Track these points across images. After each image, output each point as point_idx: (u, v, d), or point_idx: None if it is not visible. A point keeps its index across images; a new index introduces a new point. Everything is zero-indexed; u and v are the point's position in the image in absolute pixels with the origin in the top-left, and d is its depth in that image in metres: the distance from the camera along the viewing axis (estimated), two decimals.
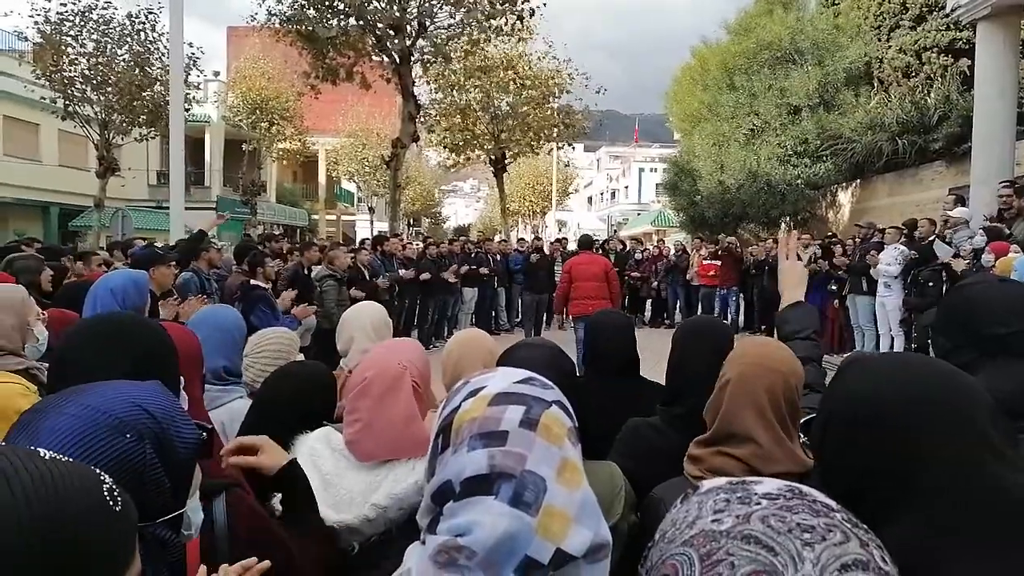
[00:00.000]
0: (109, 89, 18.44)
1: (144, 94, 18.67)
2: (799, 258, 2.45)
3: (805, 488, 0.69)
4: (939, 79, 16.30)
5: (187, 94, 15.27)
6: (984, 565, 0.84)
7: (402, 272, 10.80)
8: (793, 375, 1.62)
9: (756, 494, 0.67)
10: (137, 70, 18.65)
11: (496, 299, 13.86)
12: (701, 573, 0.61)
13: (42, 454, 0.75)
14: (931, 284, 7.89)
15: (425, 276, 11.34)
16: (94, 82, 18.33)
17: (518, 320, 13.96)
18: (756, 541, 0.61)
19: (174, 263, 5.40)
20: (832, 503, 0.67)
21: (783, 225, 19.42)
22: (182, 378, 1.62)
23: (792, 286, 2.27)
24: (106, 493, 0.78)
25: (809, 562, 0.59)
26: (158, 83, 18.59)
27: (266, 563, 1.27)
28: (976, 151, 10.54)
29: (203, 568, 1.19)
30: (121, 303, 2.83)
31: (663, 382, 2.56)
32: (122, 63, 18.67)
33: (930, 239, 8.73)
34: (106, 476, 0.80)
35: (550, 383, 0.95)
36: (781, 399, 1.57)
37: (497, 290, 13.79)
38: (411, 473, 1.51)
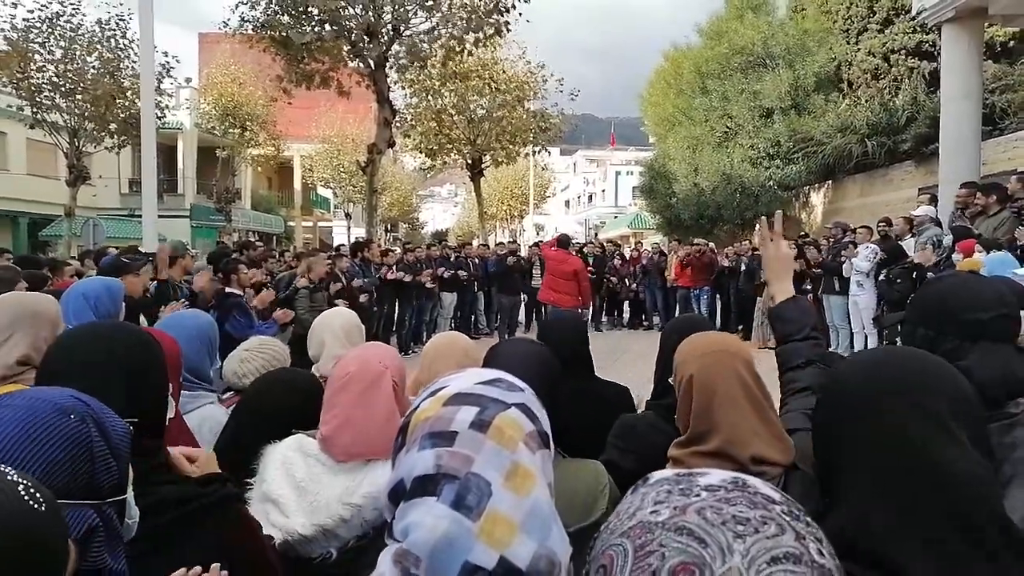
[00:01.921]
0: (79, 97, 18.16)
1: (117, 101, 18.39)
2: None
3: (751, 480, 0.68)
4: (906, 81, 16.60)
5: (159, 101, 15.07)
6: (914, 544, 0.89)
7: (379, 274, 10.79)
8: (746, 353, 1.66)
9: (698, 486, 0.67)
10: (108, 77, 18.37)
11: (475, 303, 13.85)
12: (633, 564, 0.61)
13: None
14: (899, 281, 8.01)
15: (403, 275, 11.30)
16: (63, 89, 18.03)
17: (497, 324, 13.96)
18: (689, 533, 0.60)
19: (142, 271, 5.31)
20: (776, 495, 0.66)
21: (757, 226, 19.64)
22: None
23: (780, 276, 2.04)
24: (25, 495, 0.76)
25: (739, 554, 0.58)
26: (130, 91, 18.32)
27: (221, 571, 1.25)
28: (944, 152, 10.74)
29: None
30: (94, 309, 2.79)
31: (643, 381, 2.57)
32: (92, 70, 18.39)
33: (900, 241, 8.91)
34: (16, 475, 0.78)
35: (520, 385, 0.93)
36: (749, 380, 1.58)
37: (476, 294, 13.78)
38: (389, 474, 1.49)
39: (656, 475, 0.72)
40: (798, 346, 1.94)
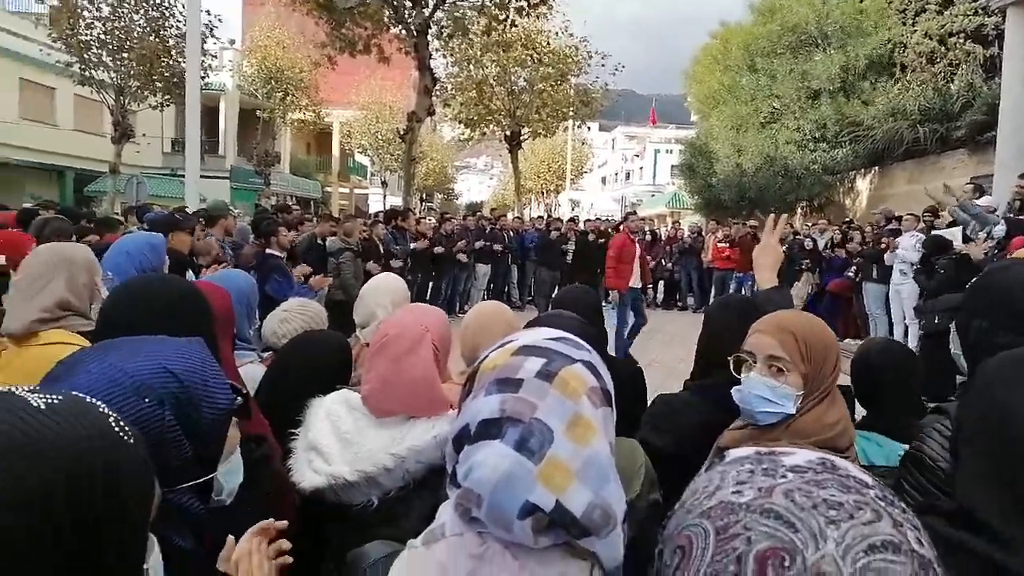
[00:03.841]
0: (125, 55, 18.36)
1: (161, 60, 18.57)
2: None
3: (839, 461, 0.64)
4: (963, 65, 15.98)
5: (203, 62, 15.18)
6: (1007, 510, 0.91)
7: (414, 245, 10.81)
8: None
9: (783, 466, 0.63)
10: (153, 36, 18.54)
11: (509, 275, 13.84)
12: (715, 547, 0.58)
13: (35, 404, 0.71)
14: (943, 272, 7.76)
15: (439, 249, 11.35)
16: (110, 47, 18.25)
17: (530, 298, 13.94)
18: (777, 516, 0.57)
19: (192, 230, 5.39)
20: (868, 479, 0.62)
21: (799, 210, 19.26)
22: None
23: (769, 266, 2.34)
24: (116, 428, 0.76)
25: (833, 541, 0.55)
26: (174, 50, 18.49)
27: (284, 523, 1.27)
28: (1001, 139, 10.37)
29: (231, 538, 1.19)
30: (138, 266, 2.81)
31: (675, 361, 2.53)
32: (138, 29, 18.57)
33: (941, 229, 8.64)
34: (108, 410, 0.79)
35: (585, 345, 0.95)
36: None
37: (511, 267, 13.77)
38: (431, 430, 1.49)
39: (734, 453, 0.69)
40: None
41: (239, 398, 1.18)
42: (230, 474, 1.19)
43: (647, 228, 16.00)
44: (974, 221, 7.60)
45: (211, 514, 1.16)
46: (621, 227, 10.78)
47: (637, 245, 9.16)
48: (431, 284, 11.75)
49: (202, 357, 1.15)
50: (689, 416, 2.09)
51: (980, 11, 15.63)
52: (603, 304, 9.53)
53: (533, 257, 13.57)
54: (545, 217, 15.22)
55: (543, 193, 47.31)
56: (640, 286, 9.18)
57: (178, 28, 18.20)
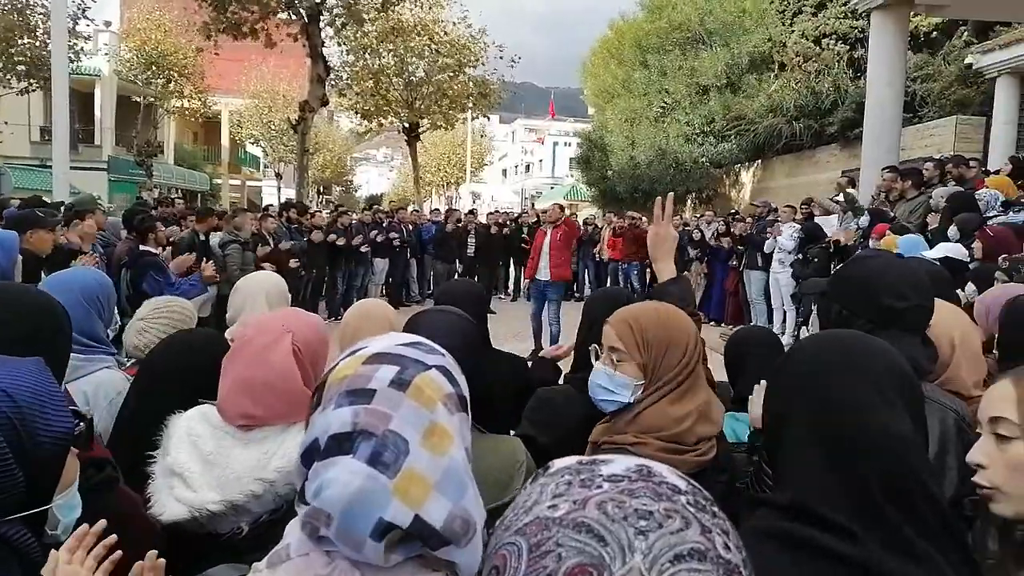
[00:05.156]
0: None
1: (22, 41, 17.11)
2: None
3: (656, 467, 0.64)
4: (835, 66, 17.06)
5: (74, 45, 14.12)
6: (854, 508, 0.98)
7: (307, 238, 10.51)
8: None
9: (601, 476, 0.62)
10: (15, 15, 17.08)
11: (408, 270, 13.68)
12: (527, 566, 0.56)
13: None
14: (816, 260, 8.28)
15: (335, 238, 11.07)
16: None
17: (429, 292, 13.83)
18: (588, 530, 0.56)
19: (54, 228, 5.00)
20: (681, 484, 0.62)
21: (688, 202, 20.05)
22: None
23: (663, 257, 2.24)
24: None
25: (640, 553, 0.54)
26: (40, 30, 17.10)
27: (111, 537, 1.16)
28: (867, 136, 11.11)
29: (53, 552, 1.09)
30: None
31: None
32: None
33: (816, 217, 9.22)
34: None
35: (440, 349, 0.93)
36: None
37: (409, 261, 13.61)
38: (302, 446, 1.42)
39: (558, 463, 0.67)
40: None
41: (81, 424, 1.09)
42: (66, 508, 1.09)
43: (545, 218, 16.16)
44: (851, 211, 8.10)
45: (44, 550, 1.06)
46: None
47: (548, 235, 8.44)
48: (326, 279, 11.46)
49: (41, 378, 1.06)
50: (568, 409, 2.09)
51: (849, 14, 16.70)
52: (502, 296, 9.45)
53: (432, 251, 13.47)
54: (441, 210, 15.10)
55: (444, 186, 47.04)
56: (546, 279, 8.38)
57: (44, 6, 16.85)
